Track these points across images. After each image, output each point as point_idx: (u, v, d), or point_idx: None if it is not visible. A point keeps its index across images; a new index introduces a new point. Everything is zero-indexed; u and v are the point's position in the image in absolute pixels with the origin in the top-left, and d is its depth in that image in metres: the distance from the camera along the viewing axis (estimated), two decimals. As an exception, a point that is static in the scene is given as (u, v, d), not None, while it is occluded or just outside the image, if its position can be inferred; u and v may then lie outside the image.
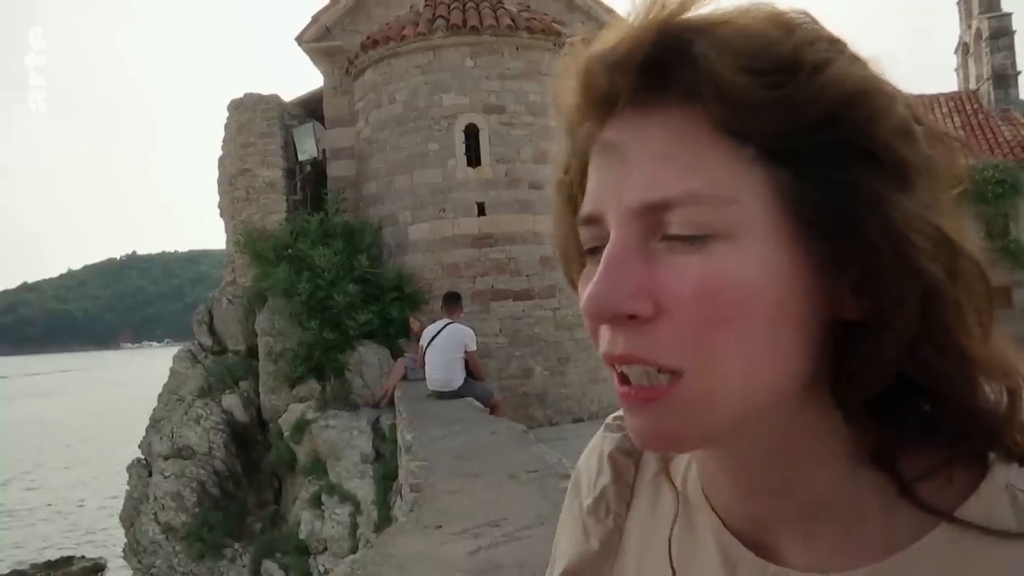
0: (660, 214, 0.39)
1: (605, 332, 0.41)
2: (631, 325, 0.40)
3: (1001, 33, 18.36)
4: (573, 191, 0.47)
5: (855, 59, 0.40)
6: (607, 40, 0.43)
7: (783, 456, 0.43)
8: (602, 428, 0.60)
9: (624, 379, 0.41)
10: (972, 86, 19.38)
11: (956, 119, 18.10)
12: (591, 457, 0.59)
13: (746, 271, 0.38)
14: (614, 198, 0.41)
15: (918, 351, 0.39)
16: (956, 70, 21.25)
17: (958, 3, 20.17)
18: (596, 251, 0.43)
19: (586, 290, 0.41)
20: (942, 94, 19.24)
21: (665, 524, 0.53)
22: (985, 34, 18.64)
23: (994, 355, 0.40)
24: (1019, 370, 0.41)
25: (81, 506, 20.26)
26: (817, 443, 0.43)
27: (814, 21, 0.41)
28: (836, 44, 0.40)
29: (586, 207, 0.43)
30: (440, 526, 3.06)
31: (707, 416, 0.40)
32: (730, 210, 0.39)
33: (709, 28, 0.40)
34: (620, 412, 0.57)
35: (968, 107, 18.44)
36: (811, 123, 0.38)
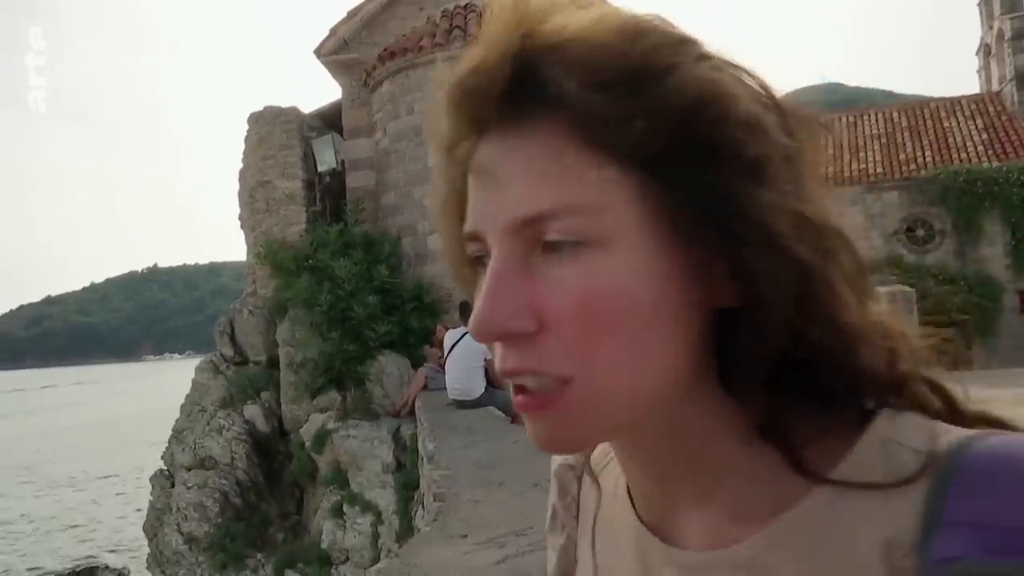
0: (536, 227, 0.41)
1: (498, 348, 0.43)
2: (519, 340, 0.41)
3: (1023, 34, 18.14)
4: (455, 207, 0.48)
5: (701, 59, 0.41)
6: (468, 62, 0.44)
7: (679, 442, 0.45)
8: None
9: (520, 388, 0.42)
10: (995, 87, 19.15)
11: (979, 121, 17.89)
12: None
13: (621, 279, 0.40)
14: (491, 218, 0.42)
15: (798, 330, 0.41)
16: (978, 72, 21.03)
17: (979, 4, 19.98)
18: (482, 261, 0.44)
19: (473, 311, 0.42)
20: (964, 96, 19.02)
21: (602, 525, 0.56)
22: (1007, 35, 18.43)
23: (872, 322, 0.42)
24: (898, 331, 0.44)
25: (100, 520, 20.45)
26: (710, 425, 0.45)
27: (665, 22, 0.42)
28: (684, 45, 0.41)
29: (468, 225, 0.45)
30: (465, 535, 3.04)
31: (597, 418, 0.42)
32: (602, 219, 0.40)
33: (558, 47, 0.41)
34: None
35: (991, 109, 18.21)
36: (663, 130, 0.39)
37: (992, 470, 0.37)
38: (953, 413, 0.44)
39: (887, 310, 0.44)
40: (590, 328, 0.40)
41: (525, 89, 0.41)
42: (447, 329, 8.32)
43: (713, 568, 0.45)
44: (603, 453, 0.59)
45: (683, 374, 0.43)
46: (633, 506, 0.52)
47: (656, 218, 0.40)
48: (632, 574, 0.51)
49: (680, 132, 0.39)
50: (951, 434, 0.40)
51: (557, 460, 0.62)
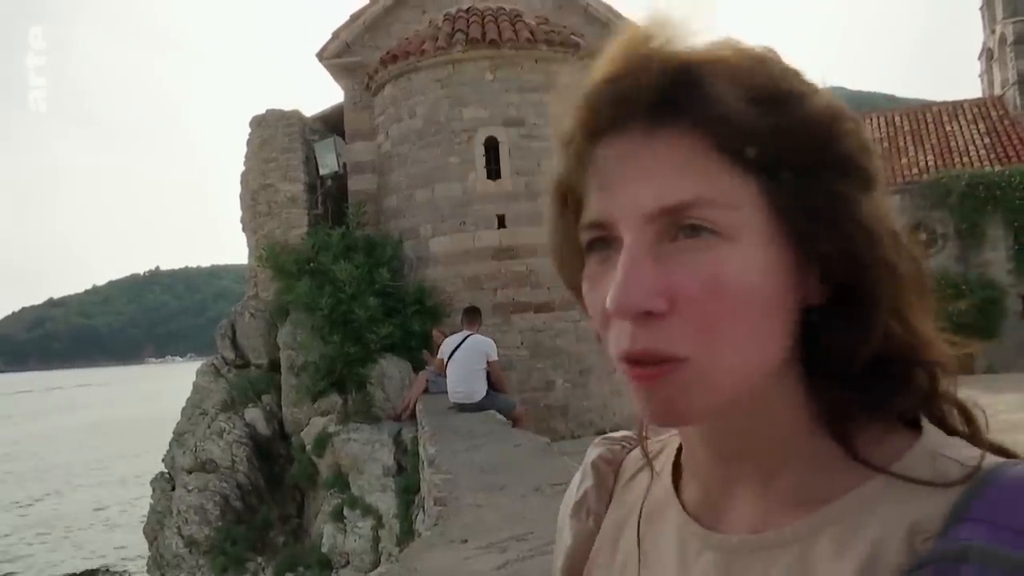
0: (672, 217, 0.45)
1: (622, 328, 0.46)
2: (647, 321, 0.45)
3: (1025, 38, 18.12)
4: (575, 196, 0.51)
5: (814, 88, 0.48)
6: (606, 70, 0.48)
7: (756, 423, 0.50)
8: (590, 447, 0.68)
9: (636, 362, 0.46)
10: (997, 91, 19.13)
11: (981, 125, 17.87)
12: (578, 472, 0.67)
13: (745, 270, 0.45)
14: (628, 205, 0.47)
15: (888, 326, 0.47)
16: (980, 76, 21.02)
17: (981, 8, 19.98)
18: (596, 246, 0.49)
19: (608, 290, 0.46)
20: (966, 100, 19.01)
21: (639, 513, 0.60)
22: (1010, 39, 18.42)
23: (934, 334, 0.49)
24: (944, 349, 0.49)
25: (107, 522, 20.43)
26: (784, 411, 0.50)
27: (775, 53, 0.49)
28: (799, 75, 0.48)
29: (592, 214, 0.49)
30: (466, 540, 3.03)
31: (707, 392, 0.46)
32: (734, 215, 0.45)
33: (711, 64, 0.46)
34: (607, 434, 0.69)
35: (993, 113, 18.19)
36: (795, 144, 0.45)
37: (1020, 488, 0.42)
38: (974, 438, 0.49)
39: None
40: (715, 311, 0.45)
41: (678, 98, 0.46)
42: (444, 335, 8.32)
43: (753, 550, 0.50)
44: (636, 456, 0.64)
45: (779, 360, 0.48)
46: (677, 497, 0.57)
47: (780, 222, 0.46)
48: (672, 561, 0.55)
49: (810, 147, 0.45)
50: (989, 458, 0.46)
51: (593, 454, 0.67)
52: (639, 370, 0.46)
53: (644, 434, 0.64)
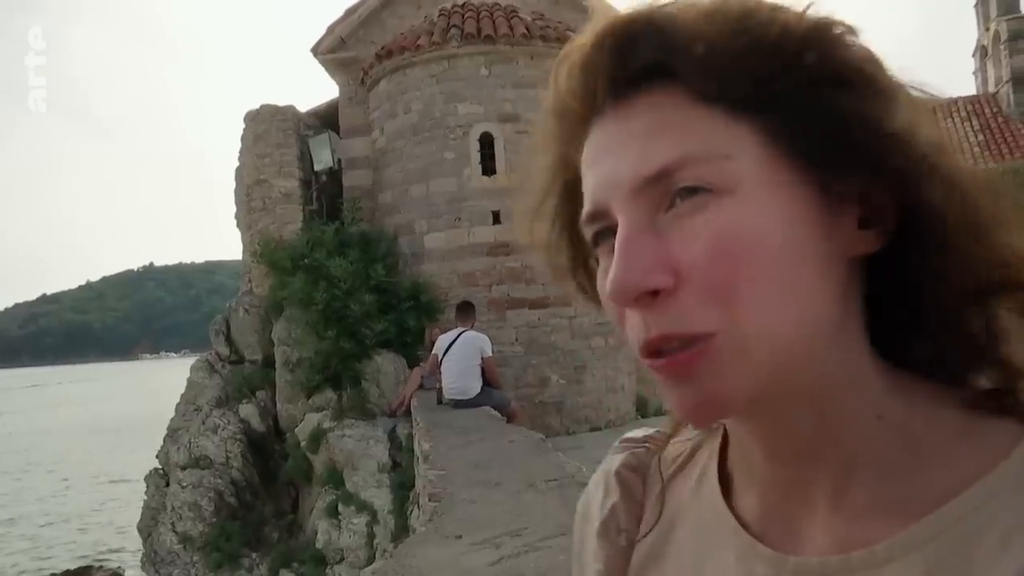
0: (661, 185, 0.40)
1: (633, 318, 0.41)
2: (656, 303, 0.40)
3: (1019, 35, 18.18)
4: (574, 189, 0.47)
5: (798, 9, 0.42)
6: (575, 45, 0.45)
7: (816, 411, 0.43)
8: (609, 452, 0.60)
9: (657, 353, 0.41)
10: (991, 89, 19.19)
11: (975, 123, 17.93)
12: (598, 483, 0.58)
13: (750, 220, 0.39)
14: (613, 185, 0.42)
15: (971, 249, 0.40)
16: (974, 73, 21.07)
17: (976, 6, 20.02)
18: (602, 238, 0.44)
19: (606, 278, 0.41)
20: (961, 97, 19.06)
21: (681, 533, 0.52)
22: (1004, 37, 18.47)
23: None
24: None
25: (101, 518, 20.39)
26: (850, 392, 0.42)
27: None
28: (781, 6, 0.42)
29: (588, 205, 0.44)
30: (460, 536, 3.03)
31: (745, 368, 0.40)
32: (725, 165, 0.40)
33: (672, 13, 0.42)
34: (627, 435, 0.60)
35: (987, 110, 18.25)
36: (781, 66, 0.39)
37: None
38: None
39: None
40: (728, 272, 0.39)
41: (637, 48, 0.42)
42: (438, 331, 8.32)
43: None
44: (671, 458, 0.56)
45: (827, 325, 0.41)
46: (730, 508, 0.49)
47: (784, 161, 0.40)
48: None
49: (797, 67, 0.40)
50: None
51: (615, 461, 0.58)
52: (662, 361, 0.40)
53: (671, 432, 0.56)
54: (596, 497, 0.58)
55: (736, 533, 0.47)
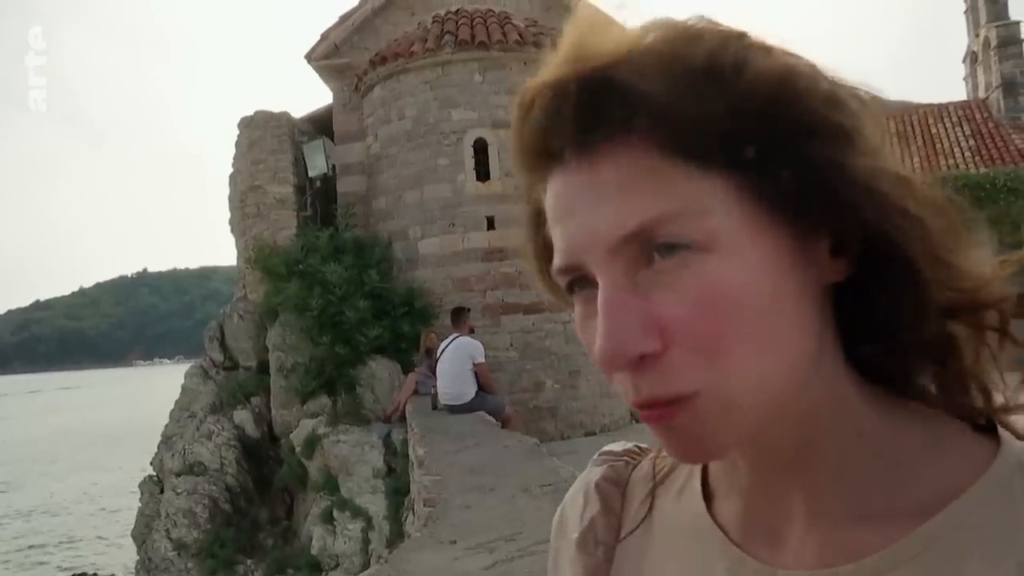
0: (639, 243, 0.40)
1: (624, 378, 0.41)
2: (644, 364, 0.40)
3: (1009, 41, 18.31)
4: (540, 247, 0.48)
5: (764, 48, 0.41)
6: (533, 93, 0.44)
7: (799, 431, 0.44)
8: (588, 465, 0.60)
9: (645, 404, 0.42)
10: (981, 95, 19.31)
11: (966, 128, 18.03)
12: (577, 494, 0.58)
13: (734, 276, 0.39)
14: (588, 243, 0.41)
15: (934, 276, 0.41)
16: (965, 79, 21.20)
17: (966, 12, 20.16)
18: (577, 286, 0.43)
19: (594, 343, 0.41)
20: (951, 103, 19.18)
21: (664, 547, 0.52)
22: (993, 43, 18.60)
23: (986, 267, 0.43)
24: (1005, 286, 0.43)
25: (95, 525, 20.28)
26: (831, 411, 0.43)
27: (712, 22, 0.42)
28: (742, 39, 0.41)
29: (561, 260, 0.43)
30: (455, 541, 3.04)
31: (734, 418, 0.41)
32: (703, 221, 0.39)
33: (622, 59, 0.40)
34: (606, 448, 0.59)
35: (978, 116, 18.36)
36: (748, 122, 0.39)
37: None
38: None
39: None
40: (715, 329, 0.39)
41: (598, 107, 0.41)
42: (433, 336, 8.33)
43: None
44: (645, 471, 0.56)
45: (807, 359, 0.42)
46: (714, 520, 0.49)
47: (757, 212, 0.40)
48: None
49: (767, 120, 0.39)
50: None
51: (595, 474, 0.58)
52: (649, 412, 0.41)
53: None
54: (575, 508, 0.58)
55: (723, 545, 0.48)
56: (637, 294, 0.40)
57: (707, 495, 0.51)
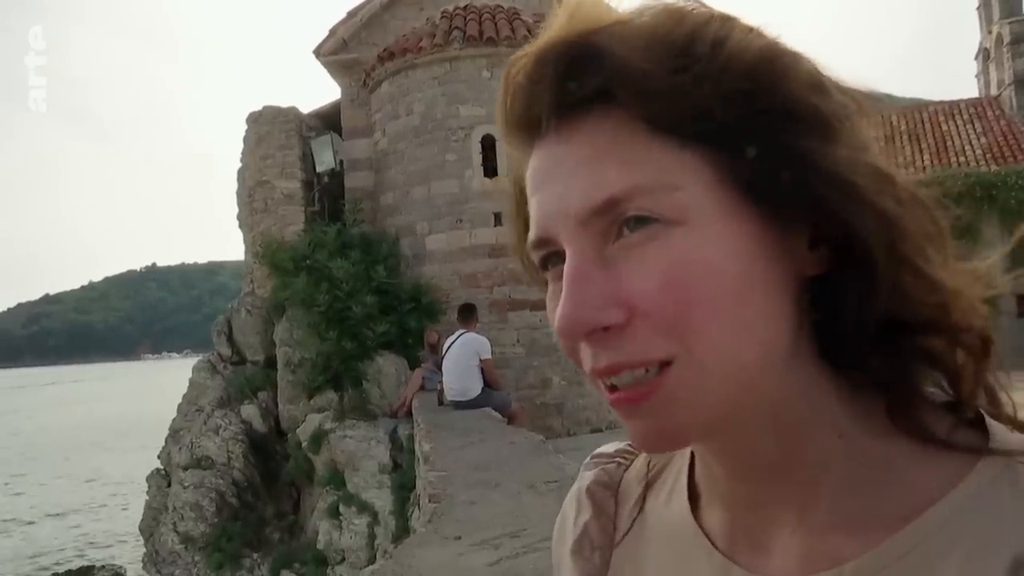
0: (609, 215, 0.39)
1: (585, 349, 0.41)
2: (608, 336, 0.39)
3: (1022, 39, 18.17)
4: (521, 223, 0.47)
5: (749, 30, 0.41)
6: (518, 63, 0.43)
7: (775, 431, 0.43)
8: (580, 469, 0.59)
9: (612, 387, 0.41)
10: (993, 92, 19.17)
11: (978, 125, 17.90)
12: (571, 500, 0.58)
13: (702, 251, 0.39)
14: (559, 215, 0.41)
15: (897, 282, 0.40)
16: (977, 76, 21.05)
17: (978, 9, 20.00)
18: (551, 263, 0.43)
19: (555, 311, 0.40)
20: (963, 100, 19.04)
21: (655, 551, 0.51)
22: (1006, 39, 18.46)
23: (958, 277, 0.41)
24: (975, 303, 0.42)
25: (95, 518, 20.42)
26: (809, 411, 0.42)
27: (703, 5, 0.42)
28: (728, 21, 0.41)
29: (534, 232, 0.43)
30: (459, 537, 3.04)
31: (701, 400, 0.40)
32: (677, 196, 0.39)
33: (609, 29, 0.41)
34: (598, 450, 0.59)
35: (990, 113, 18.23)
36: (725, 98, 0.38)
37: None
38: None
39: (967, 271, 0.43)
40: (681, 304, 0.38)
41: (579, 72, 0.40)
42: (435, 333, 8.34)
43: None
44: (639, 476, 0.56)
45: (782, 348, 0.41)
46: (700, 527, 0.48)
47: (731, 191, 0.39)
48: None
49: (741, 100, 0.39)
50: None
51: (586, 478, 0.57)
52: (615, 395, 0.40)
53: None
54: (570, 515, 0.57)
55: (709, 552, 0.47)
56: (603, 267, 0.40)
57: (694, 496, 0.50)
